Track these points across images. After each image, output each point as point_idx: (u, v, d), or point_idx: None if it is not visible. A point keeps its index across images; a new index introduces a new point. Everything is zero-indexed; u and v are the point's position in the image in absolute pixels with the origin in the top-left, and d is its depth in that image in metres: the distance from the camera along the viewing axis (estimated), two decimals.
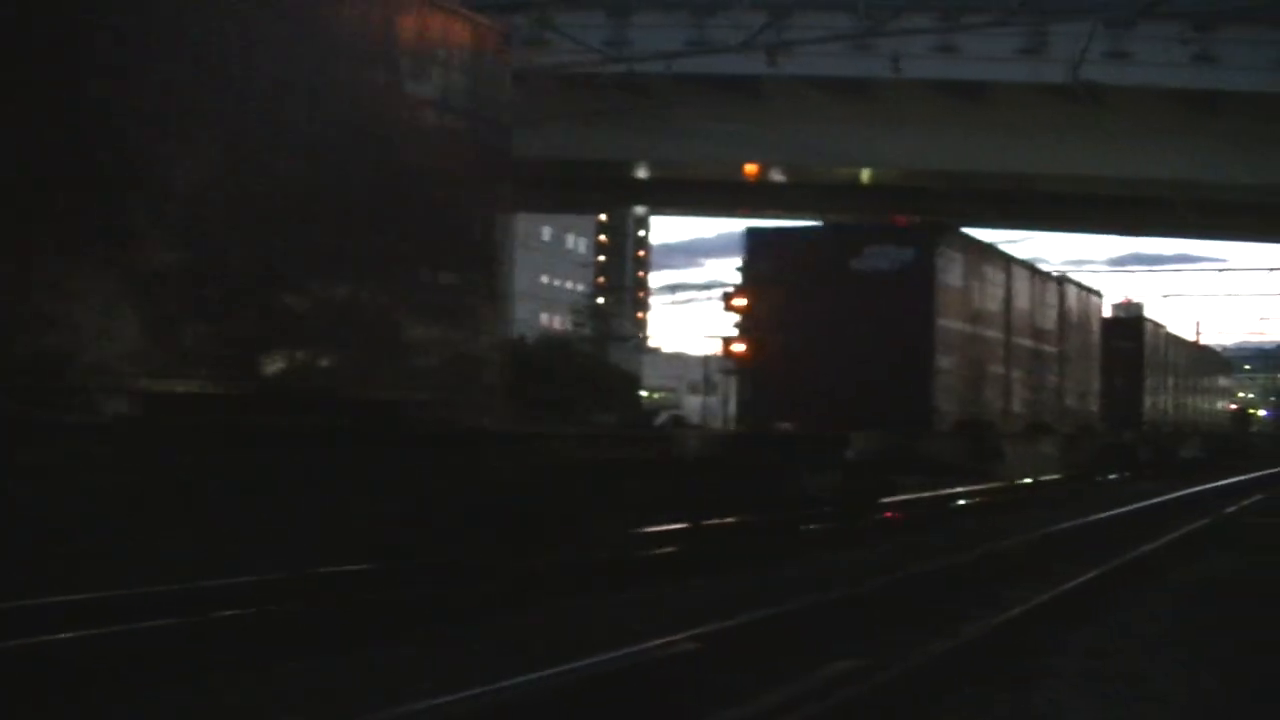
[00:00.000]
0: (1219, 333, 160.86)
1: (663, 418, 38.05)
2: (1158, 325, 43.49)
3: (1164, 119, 33.02)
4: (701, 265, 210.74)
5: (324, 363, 10.28)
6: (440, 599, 10.40)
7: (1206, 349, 51.97)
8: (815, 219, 36.77)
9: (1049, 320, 27.68)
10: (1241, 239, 51.70)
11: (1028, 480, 26.42)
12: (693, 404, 67.68)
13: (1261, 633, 10.04)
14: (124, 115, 8.60)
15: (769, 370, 19.46)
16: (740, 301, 22.47)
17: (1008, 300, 23.89)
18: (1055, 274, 28.77)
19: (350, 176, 10.34)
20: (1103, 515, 19.17)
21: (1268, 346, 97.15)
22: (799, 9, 27.87)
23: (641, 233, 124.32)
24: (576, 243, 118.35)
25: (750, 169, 35.73)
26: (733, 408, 27.71)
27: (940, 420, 19.72)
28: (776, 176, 37.33)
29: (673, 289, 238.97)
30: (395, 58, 10.76)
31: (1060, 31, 27.83)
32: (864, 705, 7.34)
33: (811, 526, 17.41)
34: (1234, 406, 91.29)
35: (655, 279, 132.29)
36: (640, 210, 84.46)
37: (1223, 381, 55.82)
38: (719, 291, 40.87)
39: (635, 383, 50.45)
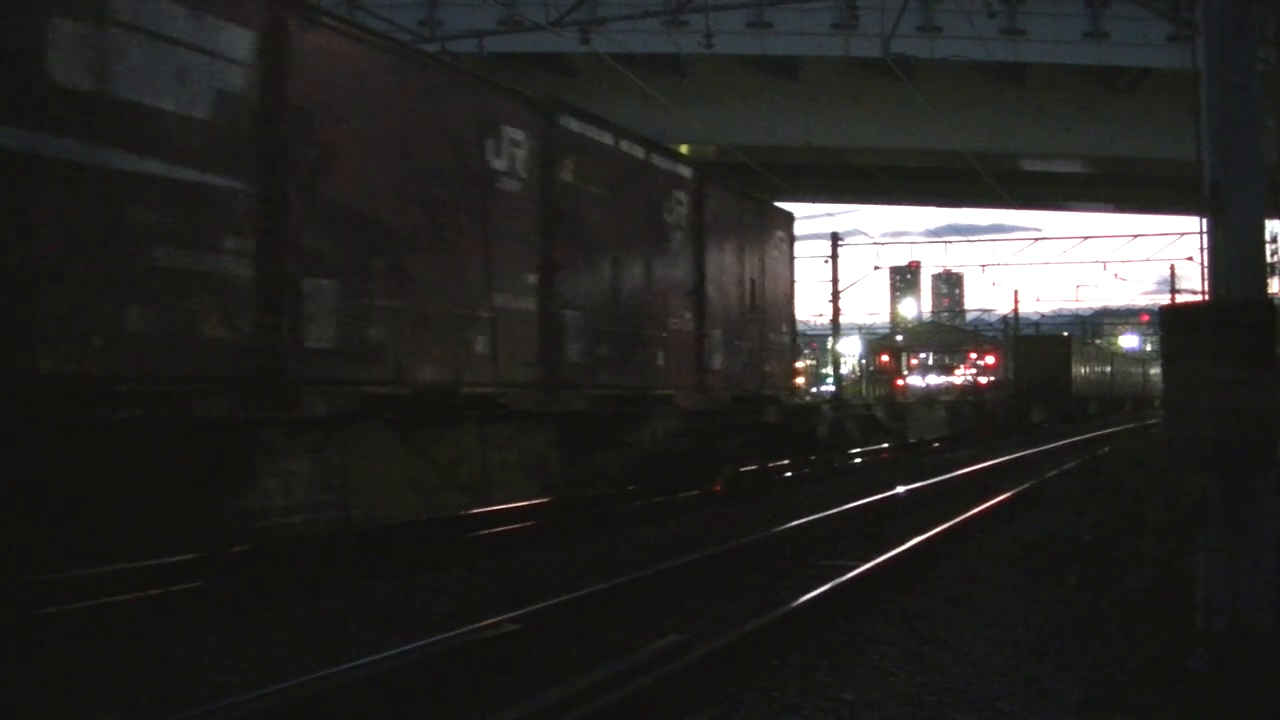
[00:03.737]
0: (1037, 300, 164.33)
1: None
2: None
3: (973, 92, 33.53)
4: None
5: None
6: None
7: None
8: None
9: None
10: (1051, 208, 52.94)
11: None
12: None
13: None
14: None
15: None
16: None
17: None
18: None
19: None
20: None
21: (1084, 313, 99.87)
22: None
23: None
24: None
25: None
26: None
27: None
28: None
29: None
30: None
31: (872, 6, 27.93)
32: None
33: None
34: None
35: None
36: None
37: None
38: None
39: None
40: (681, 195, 16.78)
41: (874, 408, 36.51)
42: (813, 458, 24.62)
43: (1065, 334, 72.88)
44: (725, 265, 18.34)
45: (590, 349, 14.04)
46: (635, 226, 15.49)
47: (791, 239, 21.69)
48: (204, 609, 9.39)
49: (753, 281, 19.45)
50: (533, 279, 12.89)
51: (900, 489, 19.53)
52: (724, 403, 18.22)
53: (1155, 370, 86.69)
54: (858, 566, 11.48)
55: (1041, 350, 59.77)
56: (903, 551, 12.68)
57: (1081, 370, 60.96)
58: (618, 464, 15.18)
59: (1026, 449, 32.55)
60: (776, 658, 8.19)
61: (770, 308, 20.23)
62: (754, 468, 20.82)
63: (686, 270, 16.92)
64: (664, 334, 16.02)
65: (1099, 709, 6.90)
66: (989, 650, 8.55)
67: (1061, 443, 36.28)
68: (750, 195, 20.64)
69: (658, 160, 16.27)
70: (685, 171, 17.16)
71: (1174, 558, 8.29)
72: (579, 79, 31.65)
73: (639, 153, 15.76)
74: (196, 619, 9.06)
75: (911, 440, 34.41)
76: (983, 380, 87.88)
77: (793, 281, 21.80)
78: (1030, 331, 79.01)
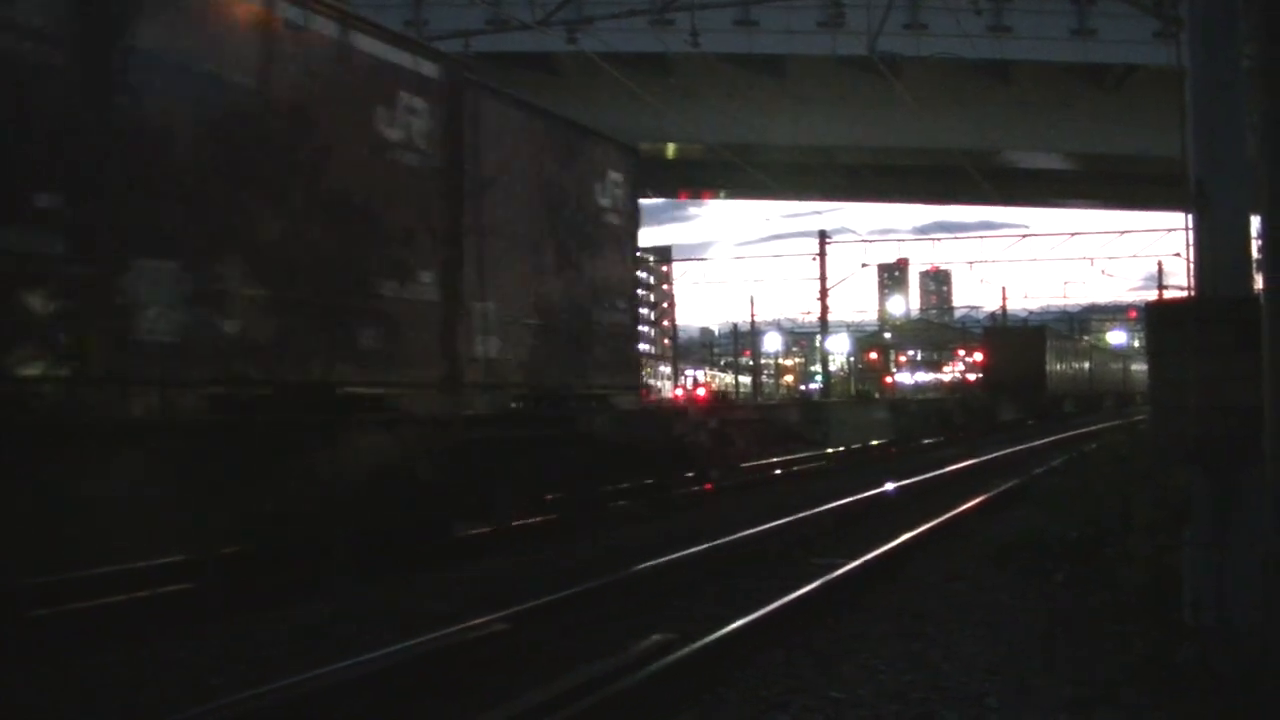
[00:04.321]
0: (1025, 297, 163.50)
1: None
2: None
3: (959, 89, 33.58)
4: None
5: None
6: None
7: None
8: None
9: None
10: (1038, 205, 52.95)
11: None
12: None
13: None
14: None
15: None
16: None
17: None
18: None
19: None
20: None
21: (1072, 310, 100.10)
22: None
23: None
24: None
25: None
26: None
27: None
28: None
29: None
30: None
31: (858, 4, 27.96)
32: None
33: None
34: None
35: None
36: None
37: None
38: None
39: None
40: (418, 103, 11.70)
41: (777, 410, 32.05)
42: (690, 474, 19.82)
43: (1040, 326, 66.85)
44: (512, 211, 13.64)
45: (202, 324, 9.09)
46: (308, 138, 10.39)
47: (634, 183, 16.78)
48: (202, 610, 9.37)
49: (560, 237, 14.69)
50: (56, 202, 7.92)
51: (889, 486, 19.60)
52: (499, 407, 13.44)
53: (1136, 366, 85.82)
54: (846, 564, 11.51)
55: (1014, 344, 54.86)
56: (891, 549, 12.72)
57: (1057, 366, 56.95)
58: (274, 505, 9.78)
59: (1012, 447, 32.58)
60: (763, 656, 8.18)
61: (596, 275, 15.56)
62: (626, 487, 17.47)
63: (429, 213, 11.93)
64: (372, 303, 11.03)
65: (1089, 706, 6.90)
66: (978, 648, 8.56)
67: (1046, 440, 36.27)
68: (560, 116, 15.26)
69: (364, 44, 11.04)
70: (428, 69, 11.94)
71: (1163, 554, 8.29)
72: (565, 78, 31.65)
73: (327, 28, 10.53)
74: (195, 619, 9.06)
75: (841, 448, 29.73)
76: (970, 377, 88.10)
77: (635, 241, 16.88)
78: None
